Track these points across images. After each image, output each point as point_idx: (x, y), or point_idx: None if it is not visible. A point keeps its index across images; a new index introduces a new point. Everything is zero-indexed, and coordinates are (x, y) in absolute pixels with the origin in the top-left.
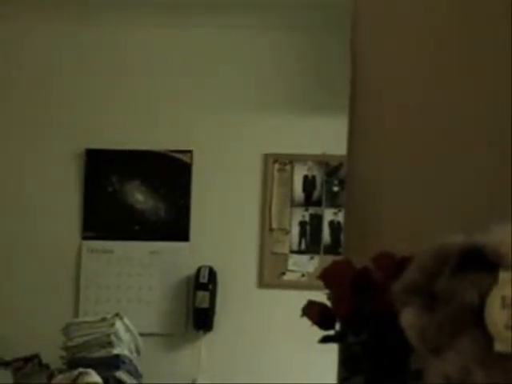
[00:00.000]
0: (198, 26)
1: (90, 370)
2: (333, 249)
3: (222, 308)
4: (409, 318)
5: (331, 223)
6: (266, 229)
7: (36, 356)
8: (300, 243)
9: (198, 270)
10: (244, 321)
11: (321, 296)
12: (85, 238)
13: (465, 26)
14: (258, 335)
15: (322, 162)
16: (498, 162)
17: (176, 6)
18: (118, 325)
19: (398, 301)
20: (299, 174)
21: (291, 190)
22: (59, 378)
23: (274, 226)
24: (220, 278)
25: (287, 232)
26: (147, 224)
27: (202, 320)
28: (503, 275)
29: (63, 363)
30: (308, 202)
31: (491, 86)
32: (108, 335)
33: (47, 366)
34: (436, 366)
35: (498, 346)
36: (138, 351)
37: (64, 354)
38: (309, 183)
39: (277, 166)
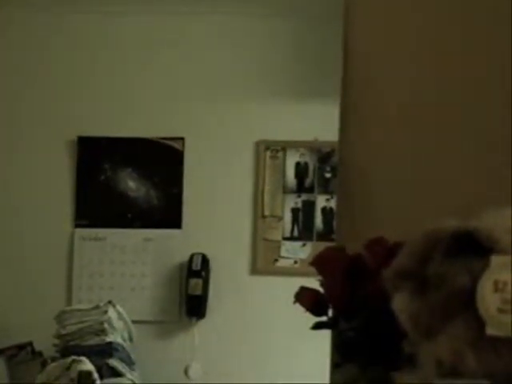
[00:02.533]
0: (188, 13)
1: (83, 358)
2: (325, 235)
3: (215, 295)
4: (401, 303)
5: (324, 210)
6: (259, 216)
7: (29, 344)
8: (292, 230)
9: (191, 258)
10: (237, 307)
11: (313, 282)
12: (77, 225)
13: (463, 10)
14: (250, 322)
15: (314, 148)
16: (494, 150)
17: None
18: (111, 312)
19: (390, 286)
20: (291, 160)
21: (283, 176)
22: (52, 365)
23: (267, 212)
24: (213, 265)
25: (280, 219)
26: (140, 211)
27: (195, 307)
28: (495, 259)
29: (56, 351)
30: (300, 188)
31: (490, 72)
32: (101, 323)
33: (40, 354)
34: (428, 351)
35: (490, 330)
36: (130, 339)
37: (57, 341)
38: (301, 170)
39: (269, 152)
